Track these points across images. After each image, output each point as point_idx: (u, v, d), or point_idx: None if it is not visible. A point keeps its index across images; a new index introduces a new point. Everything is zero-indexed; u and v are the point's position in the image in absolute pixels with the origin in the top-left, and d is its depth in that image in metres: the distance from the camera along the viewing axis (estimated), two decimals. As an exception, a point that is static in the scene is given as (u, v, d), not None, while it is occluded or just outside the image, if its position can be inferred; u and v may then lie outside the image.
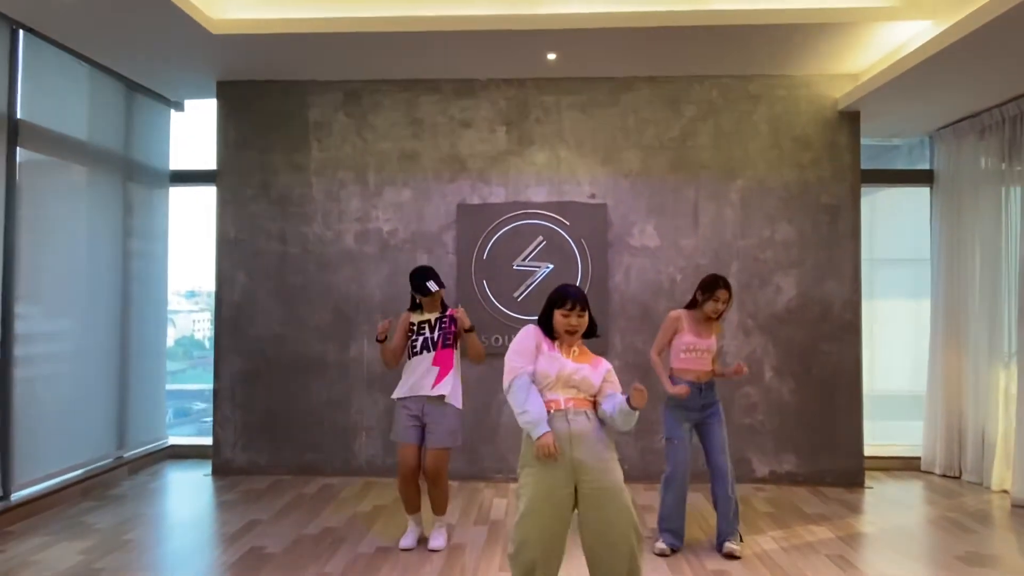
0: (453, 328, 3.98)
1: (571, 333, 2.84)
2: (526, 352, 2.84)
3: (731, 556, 3.83)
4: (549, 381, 2.79)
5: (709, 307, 3.91)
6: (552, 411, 2.76)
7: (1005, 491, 5.13)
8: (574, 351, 2.86)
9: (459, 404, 3.95)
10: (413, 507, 3.99)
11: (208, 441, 6.07)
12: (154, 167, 6.03)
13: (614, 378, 2.87)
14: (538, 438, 2.69)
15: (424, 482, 3.91)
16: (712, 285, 3.93)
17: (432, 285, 3.90)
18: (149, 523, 4.50)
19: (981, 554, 3.97)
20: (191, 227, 6.78)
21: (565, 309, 2.83)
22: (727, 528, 3.91)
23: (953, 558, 3.92)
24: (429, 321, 3.97)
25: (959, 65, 4.49)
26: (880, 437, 6.09)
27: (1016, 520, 4.61)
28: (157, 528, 4.43)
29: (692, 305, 4.03)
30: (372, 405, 5.55)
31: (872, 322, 6.62)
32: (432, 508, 3.99)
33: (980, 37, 4.05)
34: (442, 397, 3.87)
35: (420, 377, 3.91)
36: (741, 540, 3.96)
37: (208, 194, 5.89)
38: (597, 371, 2.83)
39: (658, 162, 5.53)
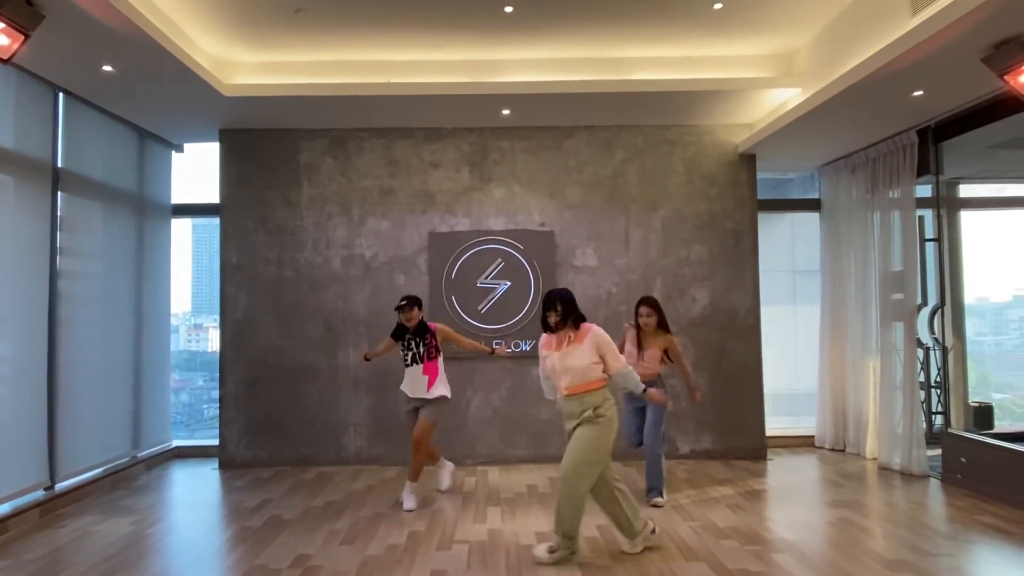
0: (434, 342, 5.06)
1: (554, 325, 3.98)
2: (540, 359, 4.12)
3: (655, 506, 4.96)
4: (554, 375, 3.99)
5: (641, 321, 5.08)
6: (561, 397, 4.00)
7: (876, 458, 6.38)
8: (568, 336, 3.96)
9: (448, 394, 5.11)
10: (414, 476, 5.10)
11: (209, 442, 6.93)
12: (160, 202, 6.89)
13: (606, 347, 3.91)
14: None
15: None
16: (637, 305, 5.17)
17: (401, 311, 5.07)
18: (178, 504, 5.39)
19: (843, 500, 5.17)
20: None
21: (546, 311, 4.02)
22: (652, 486, 5.05)
23: (820, 502, 5.13)
24: (415, 338, 5.05)
25: (822, 120, 5.73)
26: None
27: (878, 478, 5.85)
28: (186, 507, 5.30)
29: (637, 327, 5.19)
30: (358, 404, 6.51)
31: (796, 326, 7.82)
32: (409, 474, 5.05)
33: (834, 102, 5.28)
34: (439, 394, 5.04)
35: (415, 383, 5.06)
36: (662, 496, 5.06)
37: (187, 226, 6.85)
38: (582, 352, 3.88)
39: (595, 196, 6.68)
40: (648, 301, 5.14)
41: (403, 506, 4.99)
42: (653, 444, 5.06)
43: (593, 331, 3.94)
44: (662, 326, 5.13)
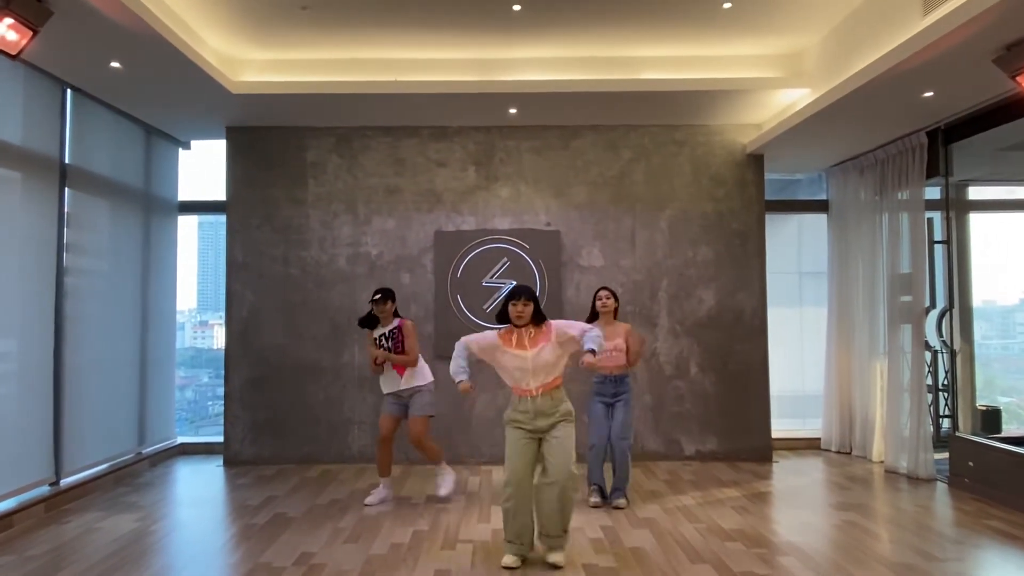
0: (401, 337, 5.07)
1: (518, 318, 3.90)
2: (481, 340, 3.99)
3: (617, 508, 4.92)
4: (520, 374, 3.87)
5: (598, 305, 5.02)
6: (528, 397, 3.87)
7: (882, 461, 6.34)
8: (530, 333, 3.91)
9: (427, 380, 5.09)
10: (384, 471, 5.14)
11: (213, 439, 6.94)
12: (166, 199, 6.90)
13: (566, 327, 3.90)
14: (459, 384, 3.93)
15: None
16: (597, 293, 5.11)
17: (376, 304, 5.09)
18: (182, 500, 5.39)
19: (849, 503, 5.14)
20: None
21: (513, 301, 3.94)
22: (617, 487, 5.02)
23: (827, 505, 5.10)
24: (384, 333, 5.10)
25: (830, 121, 5.70)
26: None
27: (885, 482, 5.81)
28: (190, 504, 5.30)
29: (593, 316, 5.10)
30: (362, 403, 6.50)
31: (803, 328, 7.74)
32: (429, 461, 5.18)
33: (843, 102, 5.24)
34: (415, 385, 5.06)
35: (390, 380, 5.11)
36: (627, 500, 5.01)
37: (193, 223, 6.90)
38: (551, 348, 3.86)
39: (601, 196, 6.66)
40: (604, 288, 5.12)
41: (439, 493, 5.14)
42: (622, 446, 4.98)
43: (553, 324, 3.94)
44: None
